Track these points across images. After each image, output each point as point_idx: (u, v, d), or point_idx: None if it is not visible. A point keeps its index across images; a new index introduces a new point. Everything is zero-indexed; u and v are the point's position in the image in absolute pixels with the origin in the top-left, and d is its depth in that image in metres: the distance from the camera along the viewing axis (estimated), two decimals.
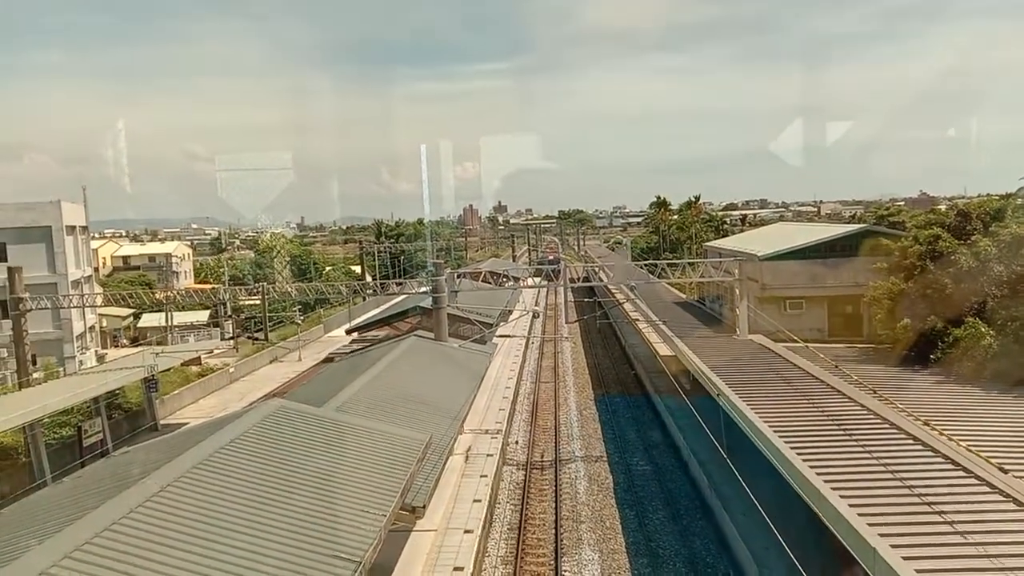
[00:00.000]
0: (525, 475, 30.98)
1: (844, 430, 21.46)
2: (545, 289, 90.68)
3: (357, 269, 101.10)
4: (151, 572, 11.07)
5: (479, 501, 24.58)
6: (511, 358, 50.13)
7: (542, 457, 33.74)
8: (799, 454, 19.18)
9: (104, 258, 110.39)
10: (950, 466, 18.32)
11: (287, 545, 12.74)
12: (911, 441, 20.26)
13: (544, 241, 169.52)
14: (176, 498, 13.35)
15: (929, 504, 15.99)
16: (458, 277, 49.47)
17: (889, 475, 17.78)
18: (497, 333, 53.90)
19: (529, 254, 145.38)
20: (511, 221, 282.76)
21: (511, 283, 73.09)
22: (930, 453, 19.29)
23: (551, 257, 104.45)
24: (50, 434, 31.60)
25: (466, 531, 22.24)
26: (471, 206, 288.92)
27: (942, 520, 15.29)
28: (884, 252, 37.82)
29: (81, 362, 50.64)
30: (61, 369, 46.65)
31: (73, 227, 53.81)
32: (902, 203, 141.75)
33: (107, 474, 17.36)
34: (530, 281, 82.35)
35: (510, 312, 63.41)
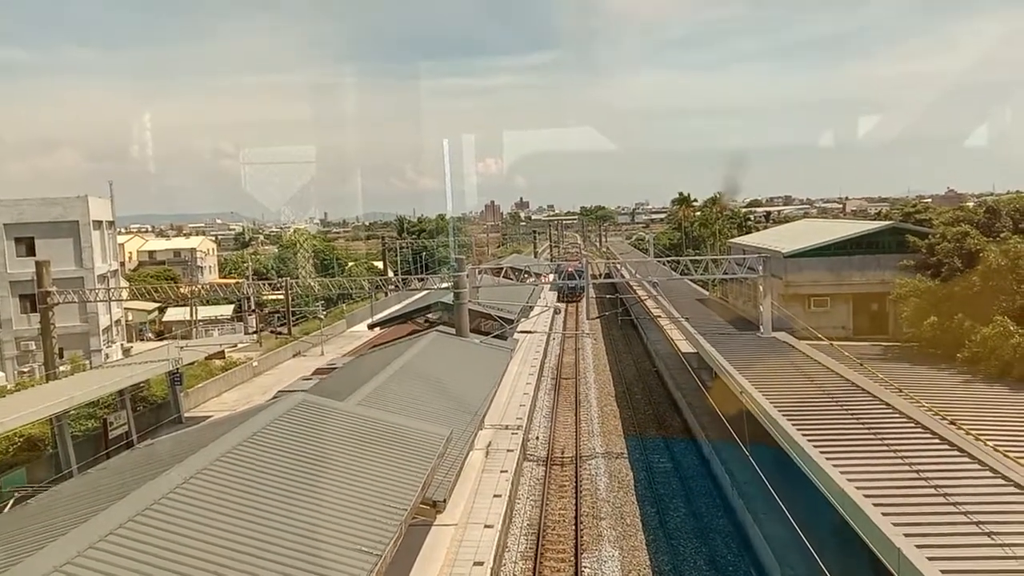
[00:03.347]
0: (545, 471, 30.94)
1: (869, 429, 21.22)
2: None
3: (379, 264, 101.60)
4: (174, 563, 11.16)
5: (499, 496, 24.59)
6: (532, 354, 50.11)
7: (562, 453, 33.69)
8: (823, 452, 19.00)
9: (130, 253, 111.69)
10: (976, 466, 18.07)
11: (308, 538, 12.80)
12: (937, 440, 20.01)
13: (564, 240, 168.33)
14: (199, 490, 13.45)
15: (955, 504, 15.77)
16: (480, 273, 49.45)
17: (915, 475, 17.57)
18: (518, 329, 53.84)
19: (551, 251, 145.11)
20: (533, 217, 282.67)
21: (532, 279, 73.00)
22: (956, 453, 19.04)
23: (571, 268, 73.59)
24: (76, 426, 32.00)
25: (486, 526, 22.26)
26: (493, 202, 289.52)
27: (968, 521, 15.08)
28: (911, 249, 37.36)
29: (107, 355, 51.25)
30: (87, 362, 47.21)
31: (100, 222, 54.42)
32: (929, 200, 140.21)
33: (132, 466, 17.55)
34: (551, 282, 78.71)
35: (531, 308, 63.30)
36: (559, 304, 75.80)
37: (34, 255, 48.50)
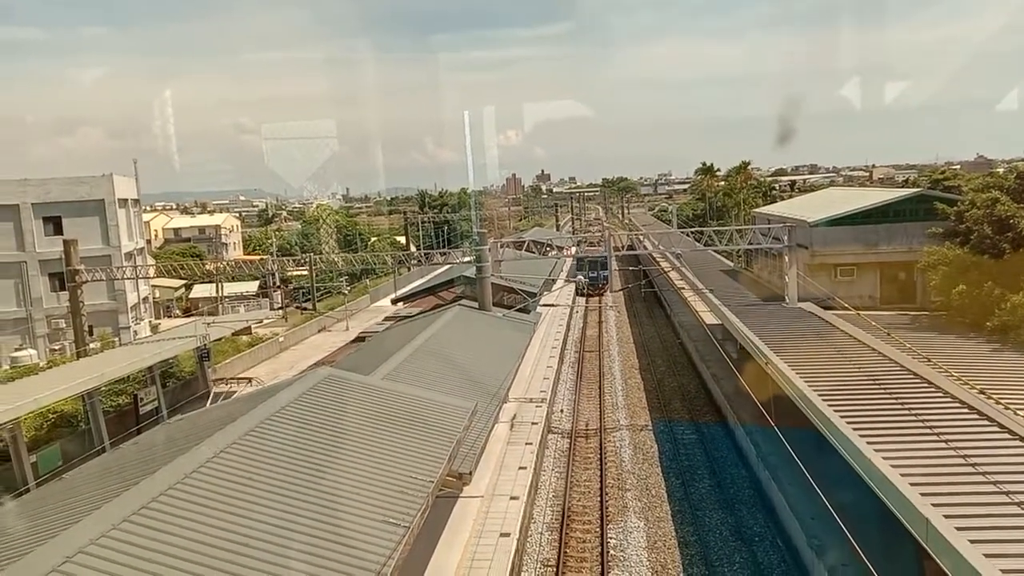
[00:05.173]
0: (570, 443, 31.06)
1: (896, 399, 21.06)
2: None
3: (402, 239, 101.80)
4: (205, 535, 11.36)
5: (524, 468, 24.73)
6: (555, 327, 50.12)
7: (587, 426, 33.77)
8: (850, 423, 18.88)
9: (156, 230, 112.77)
10: (1007, 435, 17.88)
11: (336, 509, 12.97)
12: (966, 410, 19.80)
13: (586, 213, 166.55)
14: (229, 464, 13.65)
15: (984, 474, 15.64)
16: (502, 246, 49.43)
17: (943, 444, 17.42)
18: (541, 302, 53.84)
19: (572, 223, 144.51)
20: (554, 190, 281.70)
21: (555, 252, 72.64)
22: (986, 422, 18.84)
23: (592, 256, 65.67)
24: (108, 402, 32.55)
25: (512, 498, 22.41)
26: (514, 175, 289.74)
27: (997, 491, 14.95)
28: (939, 217, 36.82)
29: (136, 332, 51.94)
30: (116, 339, 47.91)
31: (125, 200, 54.91)
32: (958, 167, 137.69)
33: (162, 441, 17.85)
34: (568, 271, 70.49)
35: (554, 281, 63.19)
36: (581, 277, 71.23)
37: (62, 234, 49.09)
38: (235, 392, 36.25)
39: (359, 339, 49.14)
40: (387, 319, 50.71)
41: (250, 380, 37.89)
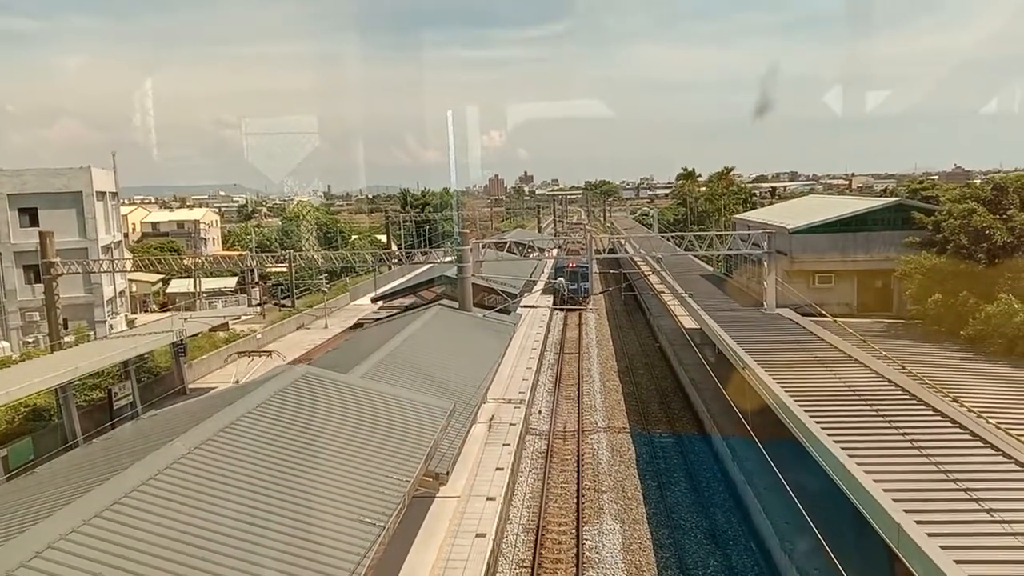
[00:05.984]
0: (548, 444, 31.08)
1: (871, 406, 21.25)
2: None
3: (383, 238, 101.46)
4: (178, 532, 11.25)
5: (502, 469, 24.72)
6: (535, 328, 50.13)
7: (564, 428, 33.81)
8: (824, 428, 19.03)
9: (133, 224, 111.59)
10: (978, 443, 18.10)
11: (312, 508, 12.90)
12: (939, 417, 20.02)
13: (568, 216, 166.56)
14: (203, 461, 13.53)
15: (955, 481, 15.82)
16: (483, 247, 49.37)
17: (916, 451, 17.60)
18: (521, 303, 53.87)
19: (555, 225, 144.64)
20: (537, 191, 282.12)
21: (536, 254, 72.71)
22: (958, 430, 19.05)
23: (573, 265, 63.36)
24: (81, 396, 32.16)
25: (489, 498, 22.39)
26: (497, 176, 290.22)
27: (968, 498, 15.13)
28: (916, 226, 37.22)
29: (111, 326, 51.39)
30: (92, 333, 47.34)
31: (103, 193, 54.31)
32: (936, 177, 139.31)
33: (136, 436, 17.65)
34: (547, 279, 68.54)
35: (534, 283, 63.19)
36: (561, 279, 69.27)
37: (38, 226, 48.48)
38: (211, 388, 35.90)
39: (358, 325, 50.17)
40: (381, 309, 51.87)
41: (270, 353, 37.52)
